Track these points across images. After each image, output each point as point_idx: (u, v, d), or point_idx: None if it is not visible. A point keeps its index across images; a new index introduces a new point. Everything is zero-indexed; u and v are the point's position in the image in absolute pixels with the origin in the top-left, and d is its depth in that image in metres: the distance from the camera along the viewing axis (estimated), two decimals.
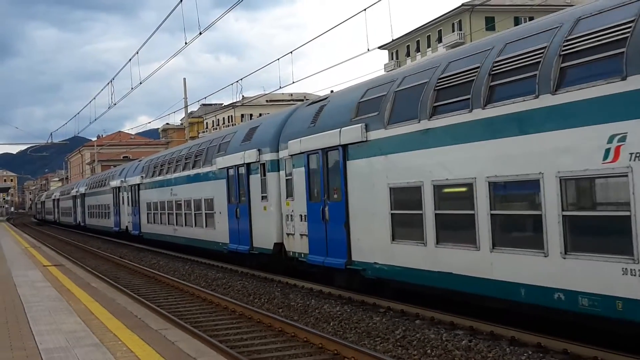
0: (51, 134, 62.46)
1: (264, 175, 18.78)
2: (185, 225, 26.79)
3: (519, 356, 9.46)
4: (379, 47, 74.73)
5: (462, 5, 69.81)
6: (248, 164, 19.69)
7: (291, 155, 17.06)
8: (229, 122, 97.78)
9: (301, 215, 16.67)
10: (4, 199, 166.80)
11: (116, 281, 20.07)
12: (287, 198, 17.57)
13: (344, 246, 14.56)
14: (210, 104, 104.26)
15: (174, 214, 28.31)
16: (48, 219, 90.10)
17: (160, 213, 30.69)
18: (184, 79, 46.38)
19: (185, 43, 23.43)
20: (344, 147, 14.41)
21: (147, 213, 33.16)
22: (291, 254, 17.63)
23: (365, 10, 19.95)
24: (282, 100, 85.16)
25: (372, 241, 13.62)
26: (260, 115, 63.48)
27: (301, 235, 16.76)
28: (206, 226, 24.08)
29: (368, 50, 21.68)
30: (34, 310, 12.23)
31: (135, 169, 36.51)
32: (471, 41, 49.07)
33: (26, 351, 8.88)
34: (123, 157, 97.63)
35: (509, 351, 9.70)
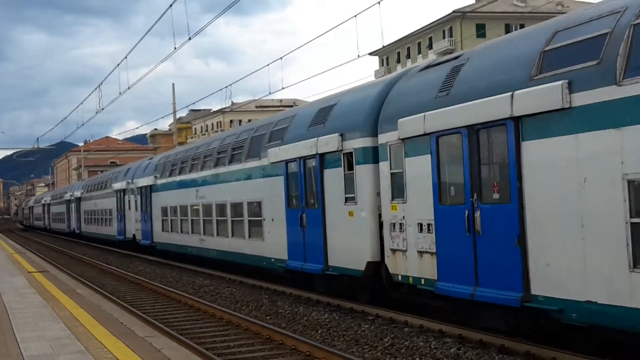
0: (38, 139, 62.23)
1: (350, 169, 14.19)
2: (218, 235, 21.88)
3: None
4: (370, 54, 74.84)
5: (453, 12, 70.10)
6: (322, 155, 15.01)
7: (402, 140, 12.33)
8: (217, 127, 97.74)
9: (421, 224, 12.00)
10: None
11: (102, 288, 19.90)
12: (392, 200, 12.80)
13: (516, 272, 9.74)
14: (199, 110, 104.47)
15: (201, 221, 23.42)
16: (37, 226, 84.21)
17: (181, 220, 25.63)
18: (173, 84, 46.37)
19: (175, 48, 23.45)
20: (517, 120, 9.68)
21: (163, 219, 28.16)
22: (400, 278, 12.70)
23: (355, 16, 20.02)
24: (272, 106, 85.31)
25: (581, 267, 8.80)
26: (249, 121, 63.35)
27: (421, 252, 12.02)
28: (249, 236, 19.33)
29: (358, 56, 21.76)
30: (19, 317, 12.09)
31: (145, 169, 31.64)
32: (462, 48, 49.08)
33: (10, 358, 8.78)
34: (110, 163, 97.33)
35: (498, 359, 9.67)
